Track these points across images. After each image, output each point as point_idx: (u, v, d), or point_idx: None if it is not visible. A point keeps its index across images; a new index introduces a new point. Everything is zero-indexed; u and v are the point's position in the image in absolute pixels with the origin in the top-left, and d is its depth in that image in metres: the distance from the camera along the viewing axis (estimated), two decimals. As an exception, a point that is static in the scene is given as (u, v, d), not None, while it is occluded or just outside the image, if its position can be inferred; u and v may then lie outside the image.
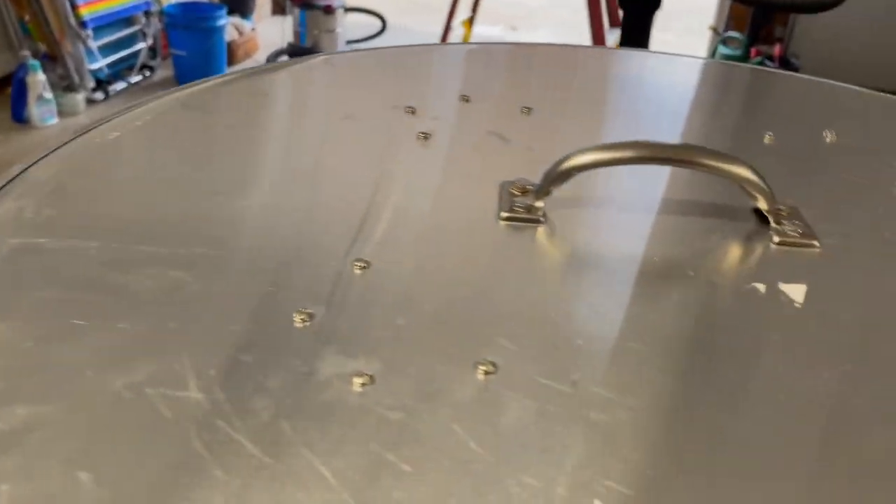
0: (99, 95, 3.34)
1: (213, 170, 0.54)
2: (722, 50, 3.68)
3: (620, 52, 0.95)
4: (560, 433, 0.33)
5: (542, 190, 0.50)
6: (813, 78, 0.79)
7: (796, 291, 0.44)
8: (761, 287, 0.44)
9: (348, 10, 3.93)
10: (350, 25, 3.95)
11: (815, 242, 0.49)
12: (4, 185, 0.49)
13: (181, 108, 0.63)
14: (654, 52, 0.90)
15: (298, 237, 0.47)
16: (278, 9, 4.47)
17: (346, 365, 0.36)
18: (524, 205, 0.50)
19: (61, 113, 3.20)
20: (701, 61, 0.87)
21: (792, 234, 0.49)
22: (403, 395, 0.35)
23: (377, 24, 4.32)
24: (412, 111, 0.65)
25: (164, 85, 3.57)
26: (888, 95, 0.73)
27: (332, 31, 3.80)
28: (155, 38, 3.64)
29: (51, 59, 3.34)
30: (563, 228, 0.50)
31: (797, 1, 1.68)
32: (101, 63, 3.35)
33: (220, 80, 0.68)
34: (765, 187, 0.49)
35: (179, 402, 0.33)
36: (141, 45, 3.58)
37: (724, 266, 0.48)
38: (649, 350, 0.39)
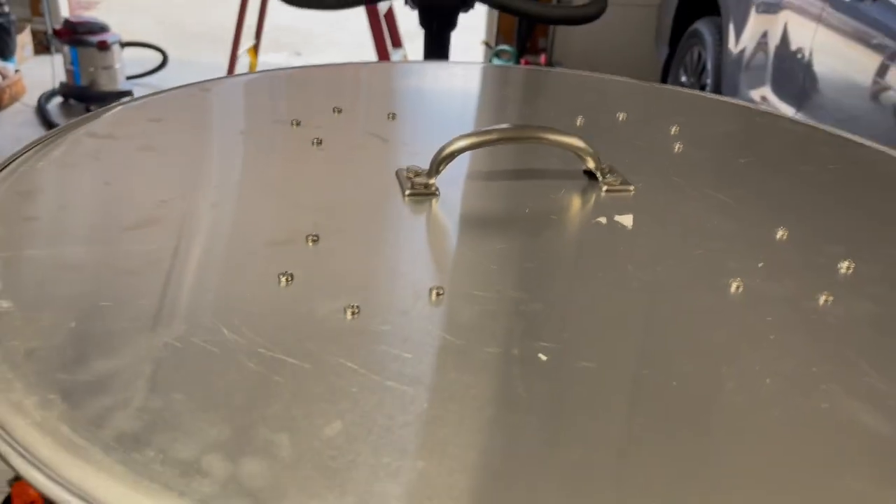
0: None
1: (153, 180, 0.63)
2: (496, 62, 4.07)
3: (446, 64, 1.12)
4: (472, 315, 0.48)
5: (433, 170, 0.65)
6: (600, 74, 1.01)
7: (626, 219, 0.62)
8: (603, 219, 0.62)
9: (125, 44, 3.79)
10: (128, 61, 3.83)
11: (630, 187, 0.68)
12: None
13: (89, 137, 0.69)
14: (472, 63, 1.08)
15: (255, 218, 0.58)
16: (42, 49, 4.20)
17: (336, 302, 0.48)
18: (421, 183, 0.65)
19: None
20: (511, 68, 1.06)
21: (614, 183, 0.68)
22: (387, 315, 0.48)
23: (157, 57, 4.21)
24: (297, 123, 0.77)
25: (-82, 138, 3.23)
26: (656, 84, 0.96)
27: (109, 67, 3.66)
28: None
29: None
30: (454, 197, 0.65)
31: (559, 16, 1.98)
32: None
33: (120, 107, 0.75)
34: (592, 152, 0.67)
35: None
36: None
37: (575, 210, 0.66)
38: (530, 265, 0.55)
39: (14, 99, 3.61)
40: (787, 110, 2.62)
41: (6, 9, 3.94)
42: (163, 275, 0.51)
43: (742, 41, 3.00)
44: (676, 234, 0.62)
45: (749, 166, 0.75)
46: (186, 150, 0.70)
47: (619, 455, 0.38)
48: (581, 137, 0.67)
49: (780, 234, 0.61)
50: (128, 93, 3.69)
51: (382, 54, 3.56)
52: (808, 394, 0.43)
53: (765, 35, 2.84)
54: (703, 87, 3.37)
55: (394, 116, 0.81)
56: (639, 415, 0.41)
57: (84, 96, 3.60)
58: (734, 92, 2.99)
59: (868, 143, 0.82)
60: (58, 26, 3.70)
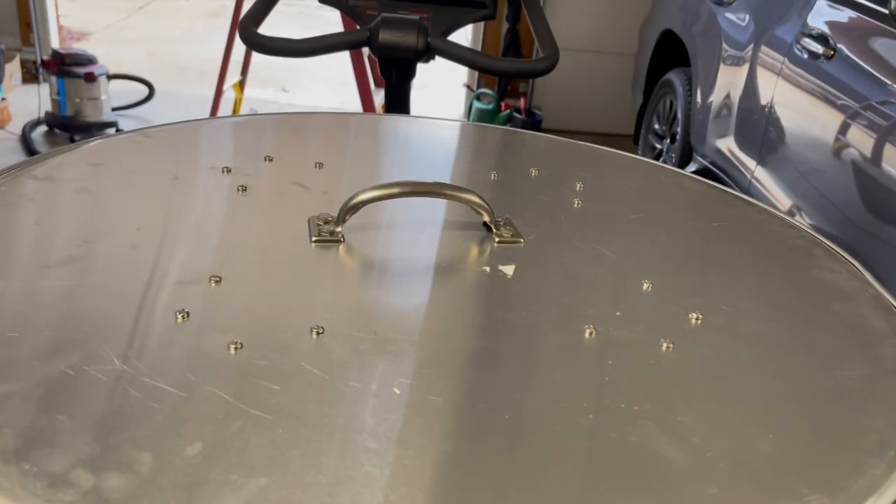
0: None
1: (82, 221, 0.69)
2: (477, 105, 4.18)
3: (389, 117, 1.19)
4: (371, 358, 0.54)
5: (340, 219, 0.71)
6: (527, 132, 1.09)
7: (508, 269, 0.69)
8: (487, 269, 0.69)
9: (112, 76, 3.87)
10: (114, 93, 3.91)
11: (521, 240, 0.75)
12: None
13: (31, 179, 0.76)
14: (415, 117, 1.15)
15: (168, 259, 0.64)
16: (31, 78, 4.28)
17: (223, 338, 0.54)
18: (328, 231, 0.71)
19: None
20: (449, 123, 1.14)
21: (506, 235, 0.75)
22: (266, 351, 0.54)
23: (144, 90, 4.29)
24: (228, 170, 0.83)
25: None
26: (576, 142, 1.04)
27: (95, 98, 3.73)
28: None
29: None
30: (358, 245, 0.72)
31: (511, 69, 2.06)
32: None
33: (67, 152, 0.82)
34: (487, 207, 0.74)
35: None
36: None
37: (465, 259, 0.72)
38: (411, 309, 0.61)
39: (0, 126, 3.67)
40: (749, 162, 2.72)
41: (-3, 39, 4.03)
42: (71, 309, 0.57)
43: (710, 93, 3.10)
44: (551, 283, 0.68)
45: (639, 221, 0.82)
46: (119, 194, 0.76)
47: (442, 467, 0.44)
48: (476, 193, 0.74)
49: (646, 285, 0.68)
50: (113, 124, 3.76)
51: (365, 94, 3.66)
52: (623, 428, 0.50)
53: (730, 88, 2.95)
54: (673, 136, 3.49)
55: (321, 166, 0.88)
56: (465, 438, 0.47)
57: (69, 126, 3.67)
58: (702, 142, 3.10)
59: (756, 203, 0.89)
60: (47, 57, 3.78)
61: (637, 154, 3.78)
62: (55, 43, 4.46)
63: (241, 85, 4.21)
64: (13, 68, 4.17)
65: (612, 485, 0.45)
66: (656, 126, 3.74)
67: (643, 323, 0.62)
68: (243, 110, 4.26)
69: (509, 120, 4.06)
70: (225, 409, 0.48)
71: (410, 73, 1.70)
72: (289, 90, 4.95)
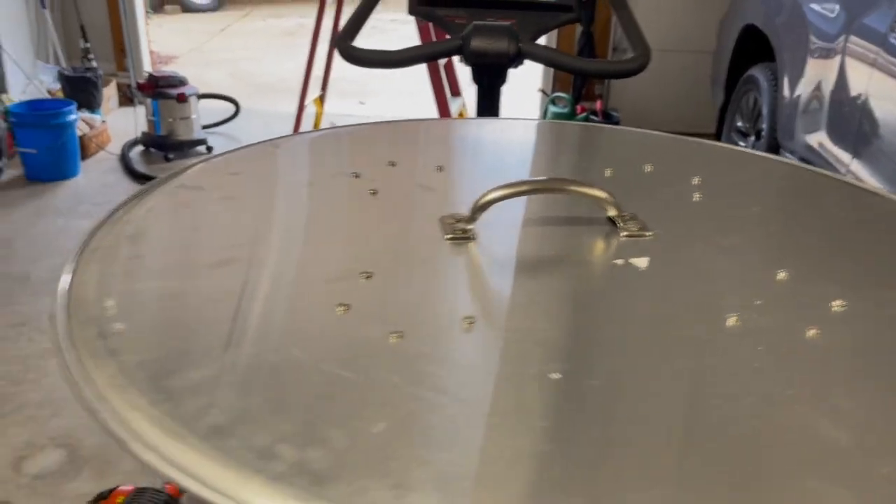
0: (-54, 200, 3.25)
1: (233, 225, 0.74)
2: (552, 109, 4.18)
3: (491, 121, 1.23)
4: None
5: (471, 217, 0.74)
6: (632, 129, 1.10)
7: (640, 261, 0.71)
8: (619, 261, 0.71)
9: (201, 96, 4.05)
10: (203, 111, 4.08)
11: (648, 233, 0.76)
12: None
13: (181, 188, 0.82)
14: (512, 119, 1.18)
15: (319, 258, 0.69)
16: (126, 100, 4.51)
17: (384, 328, 0.58)
18: (460, 229, 0.74)
19: None
20: (549, 123, 1.16)
21: (633, 229, 0.76)
22: (424, 339, 0.57)
23: (230, 108, 4.47)
24: (357, 175, 0.88)
25: (13, 185, 3.52)
26: (683, 137, 1.04)
27: (186, 118, 3.91)
28: (0, 139, 3.59)
29: None
30: (489, 241, 0.75)
31: (602, 70, 2.08)
32: (-55, 167, 3.27)
33: (204, 163, 0.88)
34: (614, 201, 0.76)
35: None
36: (-15, 147, 3.53)
37: (596, 252, 0.74)
38: (552, 300, 0.64)
39: (100, 147, 3.89)
40: (844, 156, 2.64)
41: (94, 64, 4.28)
42: (240, 304, 0.61)
43: (797, 87, 3.02)
44: (686, 275, 0.69)
45: (763, 213, 0.83)
46: (260, 200, 0.81)
47: (604, 453, 0.46)
48: (602, 188, 0.76)
49: (781, 275, 0.68)
50: (202, 141, 3.94)
51: (441, 103, 3.72)
52: (782, 412, 0.51)
53: (820, 80, 2.87)
54: (758, 133, 3.41)
55: (441, 169, 0.91)
56: (629, 422, 0.49)
57: (163, 145, 3.86)
58: (790, 137, 3.02)
59: (880, 191, 0.88)
60: (141, 80, 3.99)
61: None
62: (147, 67, 4.69)
63: (321, 100, 4.33)
64: (110, 92, 4.42)
65: (782, 467, 0.46)
66: (739, 123, 3.65)
67: (785, 311, 0.63)
68: (323, 124, 4.39)
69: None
70: (398, 392, 0.51)
71: (502, 79, 1.73)
72: (365, 102, 5.07)
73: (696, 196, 0.86)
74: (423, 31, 3.72)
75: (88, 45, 4.30)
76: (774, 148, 3.19)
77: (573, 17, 1.78)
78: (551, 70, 4.39)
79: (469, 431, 0.48)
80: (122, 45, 4.50)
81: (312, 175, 0.88)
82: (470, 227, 0.74)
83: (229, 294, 0.63)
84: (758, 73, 3.38)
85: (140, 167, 3.74)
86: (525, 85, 4.54)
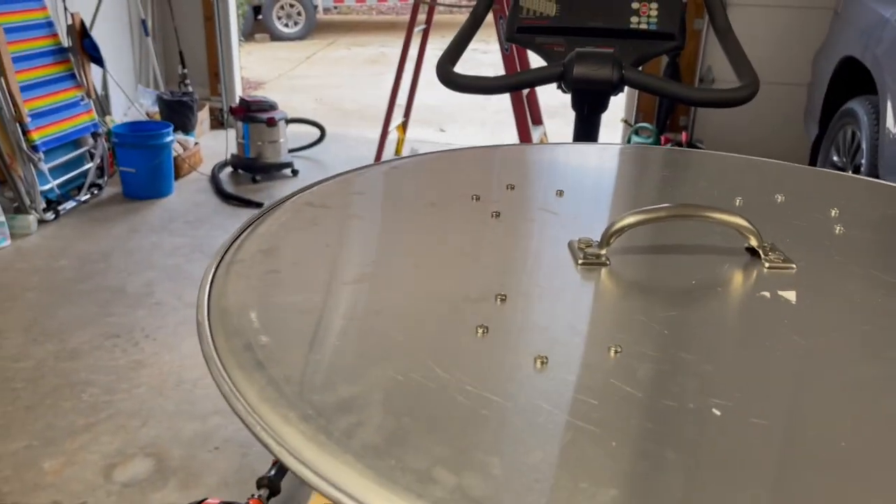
0: (49, 216, 3.42)
1: (363, 243, 0.74)
2: (635, 139, 4.12)
3: (608, 146, 1.20)
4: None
5: (604, 242, 0.72)
6: (756, 157, 1.06)
7: (790, 294, 0.67)
8: (767, 294, 0.67)
9: (289, 121, 4.16)
10: (290, 135, 4.19)
11: (793, 265, 0.72)
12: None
13: (308, 206, 0.82)
14: (625, 145, 1.15)
15: (451, 277, 0.67)
16: (217, 124, 4.68)
17: (527, 352, 0.56)
18: (592, 254, 0.72)
19: (13, 235, 3.25)
20: (670, 150, 1.13)
21: (776, 261, 0.72)
22: (571, 367, 0.55)
23: (316, 132, 4.58)
24: (477, 198, 0.87)
25: (112, 202, 3.68)
26: (813, 168, 0.99)
27: (275, 141, 4.02)
28: (102, 158, 3.77)
29: (1, 183, 3.41)
30: (623, 268, 0.72)
31: (711, 99, 2.02)
32: (51, 184, 3.45)
33: (323, 183, 0.89)
34: (755, 231, 0.72)
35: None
36: (89, 165, 3.71)
37: (739, 284, 0.70)
38: (699, 332, 0.60)
39: (192, 168, 4.04)
40: (953, 193, 2.49)
41: (191, 89, 4.46)
42: (379, 321, 0.60)
43: (902, 121, 2.89)
44: (841, 311, 0.65)
45: (914, 249, 0.77)
46: (386, 219, 0.81)
47: (782, 491, 0.43)
48: (744, 216, 0.72)
49: (949, 315, 0.63)
50: (289, 164, 4.04)
51: (523, 131, 3.71)
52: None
53: (926, 114, 2.73)
54: (857, 168, 3.27)
55: (561, 193, 0.89)
56: (797, 465, 0.45)
57: (251, 167, 3.97)
58: (893, 173, 2.88)
59: None
60: (233, 105, 4.13)
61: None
62: (238, 92, 4.86)
63: (404, 126, 4.39)
64: (203, 116, 4.59)
65: None
66: (835, 158, 3.51)
67: (959, 353, 0.58)
68: (404, 150, 4.45)
69: (671, 155, 3.97)
70: (552, 420, 0.49)
71: (603, 106, 1.70)
72: (446, 130, 5.12)
73: (838, 229, 0.81)
74: (507, 61, 3.74)
75: (186, 70, 4.50)
76: (875, 184, 3.04)
77: (675, 45, 1.75)
78: (634, 100, 4.33)
79: (632, 467, 0.45)
80: (216, 71, 4.68)
81: (433, 196, 0.87)
82: (602, 252, 0.72)
83: (367, 311, 0.62)
84: (857, 105, 3.25)
85: (229, 188, 3.86)
86: (608, 115, 4.50)
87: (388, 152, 4.30)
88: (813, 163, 3.68)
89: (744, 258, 0.74)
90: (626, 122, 4.40)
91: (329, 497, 0.42)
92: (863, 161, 3.19)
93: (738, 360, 0.58)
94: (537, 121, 4.12)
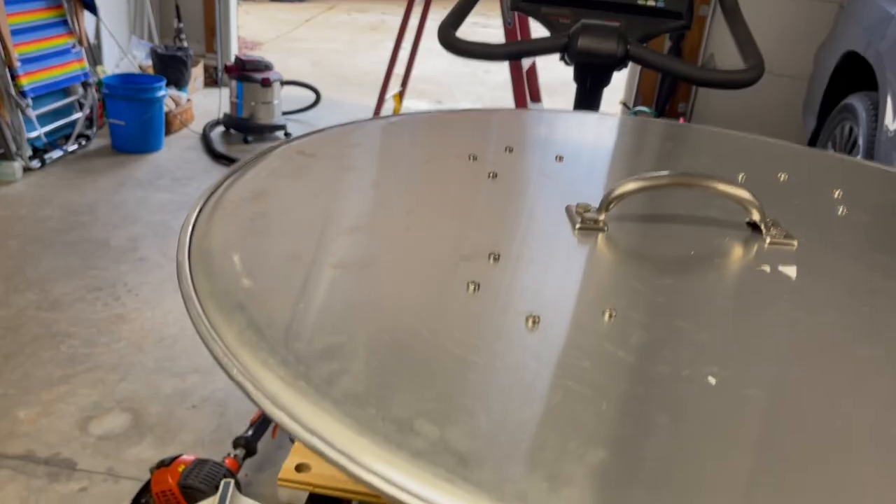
0: (35, 164, 3.35)
1: (355, 195, 0.71)
2: (632, 123, 4.09)
3: (610, 116, 1.18)
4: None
5: (603, 207, 0.70)
6: (760, 137, 1.03)
7: (790, 269, 0.65)
8: (766, 268, 0.65)
9: (284, 83, 4.09)
10: (284, 98, 4.13)
11: (794, 242, 0.70)
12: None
13: (299, 155, 0.80)
14: (629, 116, 1.13)
15: (444, 234, 0.65)
16: (211, 81, 4.61)
17: (519, 312, 0.54)
18: (590, 218, 0.70)
19: (-3, 180, 3.19)
20: (674, 123, 1.10)
21: (777, 237, 0.70)
22: (563, 328, 0.53)
23: (311, 96, 4.51)
24: (474, 158, 0.84)
25: (100, 154, 3.62)
26: (818, 150, 0.97)
27: (268, 102, 3.95)
28: (92, 109, 3.69)
29: (-12, 128, 3.34)
30: (621, 234, 0.70)
31: (718, 80, 1.99)
32: (38, 132, 3.38)
33: (316, 134, 0.86)
34: (758, 204, 0.70)
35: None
36: (78, 115, 3.64)
37: (739, 257, 0.69)
38: (696, 301, 0.59)
39: (183, 125, 3.97)
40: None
41: (186, 44, 4.38)
42: (369, 273, 0.58)
43: (899, 118, 2.87)
44: (841, 289, 0.63)
45: (916, 234, 0.76)
46: (380, 173, 0.78)
47: (769, 465, 0.41)
48: (748, 189, 0.70)
49: (950, 300, 0.62)
50: (282, 127, 3.98)
51: (521, 107, 3.67)
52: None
53: (925, 113, 2.72)
54: (851, 163, 3.25)
55: (561, 159, 0.87)
56: (795, 436, 0.44)
57: (243, 127, 3.91)
58: (887, 170, 2.87)
59: None
60: (228, 63, 4.06)
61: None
62: (234, 51, 4.77)
63: (400, 96, 4.34)
64: (197, 72, 4.51)
65: None
66: (831, 152, 3.51)
67: (961, 337, 0.56)
68: (400, 120, 4.39)
69: (667, 140, 3.95)
70: (542, 379, 0.47)
71: (605, 80, 1.67)
72: (442, 102, 5.06)
73: (841, 210, 0.79)
74: (509, 34, 3.68)
75: (181, 25, 4.41)
76: (868, 181, 3.03)
77: (682, 24, 1.72)
78: (635, 82, 4.30)
79: (623, 430, 0.43)
80: (212, 28, 4.60)
81: (429, 153, 0.85)
82: (601, 217, 0.70)
83: (357, 262, 0.59)
84: (856, 101, 3.23)
85: (220, 147, 3.80)
86: (605, 97, 4.46)
87: (384, 121, 4.25)
88: (809, 156, 3.67)
89: (745, 232, 0.72)
90: (624, 104, 4.37)
91: (305, 443, 0.40)
92: (859, 157, 3.18)
93: (735, 330, 0.56)
94: (536, 97, 4.07)
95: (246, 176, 0.73)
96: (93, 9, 3.71)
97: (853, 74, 3.34)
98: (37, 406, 1.95)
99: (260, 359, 0.46)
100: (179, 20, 4.41)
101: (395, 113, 4.34)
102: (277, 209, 0.67)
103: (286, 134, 4.01)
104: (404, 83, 4.30)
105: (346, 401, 0.43)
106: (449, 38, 1.55)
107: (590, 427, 0.43)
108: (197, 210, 0.64)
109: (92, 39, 3.91)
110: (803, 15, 4.05)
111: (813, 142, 3.64)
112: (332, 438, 0.40)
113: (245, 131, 3.92)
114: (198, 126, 3.98)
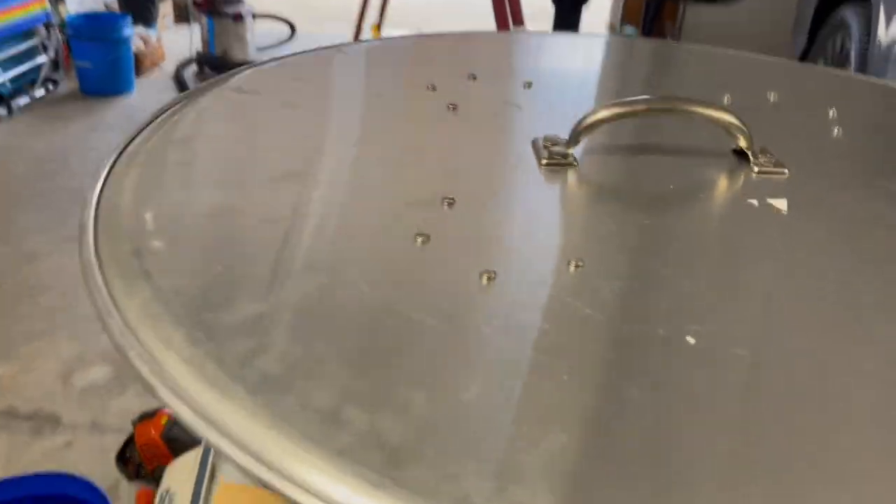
0: (2, 111, 3.23)
1: (296, 135, 0.64)
2: (619, 45, 3.95)
3: (585, 36, 1.08)
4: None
5: (572, 140, 0.62)
6: (747, 53, 0.95)
7: (781, 203, 0.58)
8: (755, 201, 0.58)
9: (257, 16, 3.93)
10: (258, 33, 3.97)
11: (785, 170, 0.63)
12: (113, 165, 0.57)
13: (236, 92, 0.71)
14: (606, 36, 1.04)
15: (393, 177, 0.58)
16: (181, 18, 4.41)
17: (472, 266, 0.47)
18: (559, 153, 0.62)
19: (-37, 130, 3.08)
20: (654, 42, 1.01)
21: (766, 165, 0.63)
22: (523, 283, 0.46)
23: (286, 31, 4.34)
24: (433, 88, 0.76)
25: (69, 98, 3.48)
26: (809, 64, 0.89)
27: (241, 38, 3.80)
28: (57, 51, 3.54)
29: (-52, 75, 3.20)
30: (593, 169, 0.62)
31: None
32: (2, 78, 3.24)
33: (260, 67, 0.77)
34: (745, 130, 0.63)
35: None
36: (42, 59, 3.48)
37: (724, 189, 0.62)
38: (677, 243, 0.52)
39: (154, 64, 3.82)
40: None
41: (152, -21, 4.17)
42: (305, 225, 0.51)
43: (892, 30, 2.76)
44: (839, 223, 0.57)
45: (919, 155, 0.69)
46: (326, 109, 0.70)
47: (754, 439, 0.35)
48: (733, 113, 0.62)
49: (959, 229, 0.55)
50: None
51: (502, 24, 3.53)
52: None
53: (920, 24, 2.61)
54: (845, 79, 3.15)
55: (529, 85, 0.79)
56: (793, 412, 0.38)
57: (217, 65, 3.76)
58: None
59: None
60: (198, -3, 3.87)
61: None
62: (204, -17, 4.55)
63: (378, 27, 4.17)
64: (166, 9, 4.32)
65: None
66: (825, 68, 3.40)
67: (974, 273, 0.50)
68: (380, 51, 4.24)
69: (656, 61, 3.82)
70: (493, 348, 0.41)
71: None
72: (422, 31, 4.89)
73: (835, 131, 0.72)
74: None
75: (146, -43, 4.19)
76: (862, 97, 2.95)
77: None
78: (620, 2, 4.14)
79: (587, 406, 0.37)
80: (179, -40, 4.37)
81: (382, 85, 0.76)
82: (570, 151, 0.62)
83: (289, 214, 0.52)
84: (848, 14, 3.10)
85: (194, 86, 3.67)
86: (592, 20, 4.30)
87: (362, 53, 4.10)
88: (802, 73, 3.56)
89: (731, 161, 0.64)
90: (612, 25, 4.22)
91: (209, 442, 0.34)
92: (851, 72, 3.08)
93: (719, 278, 0.49)
94: (519, 21, 3.92)
95: (173, 119, 0.65)
96: (49, -56, 3.51)
97: (846, -14, 3.21)
98: (16, 361, 1.91)
99: (162, 337, 0.39)
100: (143, -48, 4.19)
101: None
102: (204, 157, 0.60)
103: (261, 70, 3.87)
104: (381, 13, 4.13)
105: (261, 386, 0.36)
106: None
107: (548, 404, 0.37)
108: (110, 163, 0.56)
109: (51, -23, 3.71)
110: (796, -77, 3.87)
111: (803, 61, 3.52)
112: (239, 435, 0.34)
113: (219, 69, 3.77)
114: (170, 65, 3.83)
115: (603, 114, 0.61)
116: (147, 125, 0.63)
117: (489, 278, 0.46)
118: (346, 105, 0.72)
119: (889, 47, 2.76)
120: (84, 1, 3.97)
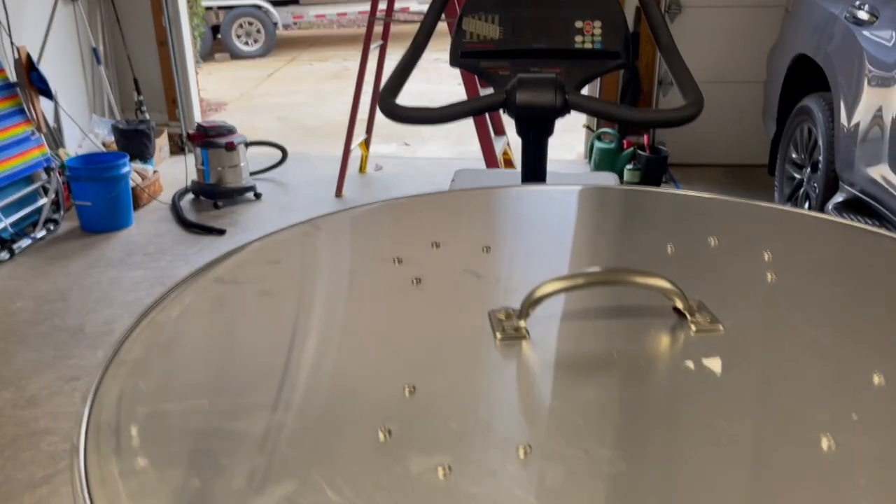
0: (4, 255, 3.33)
1: (269, 328, 0.70)
2: (598, 144, 4.11)
3: (533, 188, 1.17)
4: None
5: (523, 313, 0.68)
6: (692, 193, 1.03)
7: (714, 363, 0.63)
8: (691, 364, 0.64)
9: (249, 144, 4.09)
10: (252, 157, 4.13)
11: (720, 326, 0.69)
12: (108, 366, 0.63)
13: (217, 283, 0.78)
14: (563, 186, 1.12)
15: (361, 366, 0.63)
16: (177, 149, 4.60)
17: (431, 460, 0.52)
18: (511, 327, 0.68)
19: (-33, 278, 3.16)
20: (606, 190, 1.10)
21: (703, 322, 0.69)
22: (476, 476, 0.51)
23: (278, 153, 4.51)
24: (399, 261, 0.83)
25: (70, 236, 3.59)
26: (748, 202, 0.97)
27: (235, 165, 3.95)
28: (57, 193, 3.68)
29: (-47, 225, 3.32)
30: (543, 341, 0.68)
31: (656, 120, 2.02)
32: (4, 223, 3.36)
33: (244, 251, 0.84)
34: (679, 292, 0.69)
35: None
36: (43, 201, 3.62)
37: (663, 353, 0.67)
38: (617, 419, 0.57)
39: (152, 197, 3.96)
40: (907, 187, 2.50)
41: (147, 116, 4.38)
42: (272, 431, 0.56)
43: (855, 116, 2.90)
44: (767, 380, 0.62)
45: (848, 297, 0.75)
46: (299, 295, 0.77)
47: None
48: (666, 278, 0.69)
49: (877, 379, 0.60)
50: (251, 188, 3.97)
51: (487, 148, 3.68)
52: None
53: (880, 108, 2.74)
54: (814, 165, 3.27)
55: (488, 250, 0.86)
56: None
57: (212, 193, 3.90)
58: (849, 169, 2.89)
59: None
60: (191, 130, 4.06)
61: (775, 186, 3.57)
62: (198, 116, 4.78)
63: (366, 143, 4.35)
64: (162, 142, 4.51)
65: None
66: (794, 155, 3.53)
67: (889, 430, 0.55)
68: (369, 166, 4.40)
69: (633, 158, 3.96)
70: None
71: (548, 131, 1.67)
72: (410, 144, 5.07)
73: (770, 276, 0.78)
74: (467, 79, 3.71)
75: (141, 97, 4.42)
76: (833, 180, 3.06)
77: (620, 62, 1.73)
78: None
79: None
80: (173, 97, 4.60)
81: (354, 261, 0.83)
82: (522, 323, 0.68)
83: (262, 417, 0.58)
84: (812, 102, 3.26)
85: (190, 215, 3.79)
86: (569, 121, 4.49)
87: (353, 169, 4.25)
88: (773, 160, 3.69)
89: (671, 320, 0.70)
90: (588, 127, 4.39)
91: None
92: (820, 157, 3.20)
93: (656, 454, 0.54)
94: (500, 131, 4.09)
95: (159, 318, 0.71)
96: (48, 94, 3.71)
97: (806, 76, 3.38)
98: (20, 511, 1.91)
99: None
100: (139, 93, 4.42)
101: (363, 160, 4.35)
102: (187, 360, 0.66)
103: (256, 195, 4.00)
104: (369, 130, 4.32)
105: None
106: (390, 108, 1.55)
107: None
108: (102, 372, 0.62)
109: (51, 123, 3.91)
110: (751, 21, 4.10)
111: (775, 144, 3.66)
112: None
113: (214, 197, 3.92)
114: (167, 196, 3.97)
115: (547, 289, 0.67)
116: (132, 329, 0.69)
117: (444, 473, 0.51)
118: (317, 288, 0.78)
119: (852, 134, 2.90)
120: (83, 142, 4.15)
